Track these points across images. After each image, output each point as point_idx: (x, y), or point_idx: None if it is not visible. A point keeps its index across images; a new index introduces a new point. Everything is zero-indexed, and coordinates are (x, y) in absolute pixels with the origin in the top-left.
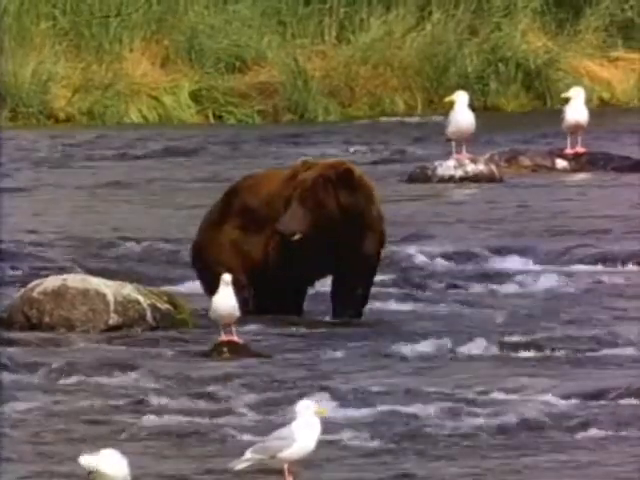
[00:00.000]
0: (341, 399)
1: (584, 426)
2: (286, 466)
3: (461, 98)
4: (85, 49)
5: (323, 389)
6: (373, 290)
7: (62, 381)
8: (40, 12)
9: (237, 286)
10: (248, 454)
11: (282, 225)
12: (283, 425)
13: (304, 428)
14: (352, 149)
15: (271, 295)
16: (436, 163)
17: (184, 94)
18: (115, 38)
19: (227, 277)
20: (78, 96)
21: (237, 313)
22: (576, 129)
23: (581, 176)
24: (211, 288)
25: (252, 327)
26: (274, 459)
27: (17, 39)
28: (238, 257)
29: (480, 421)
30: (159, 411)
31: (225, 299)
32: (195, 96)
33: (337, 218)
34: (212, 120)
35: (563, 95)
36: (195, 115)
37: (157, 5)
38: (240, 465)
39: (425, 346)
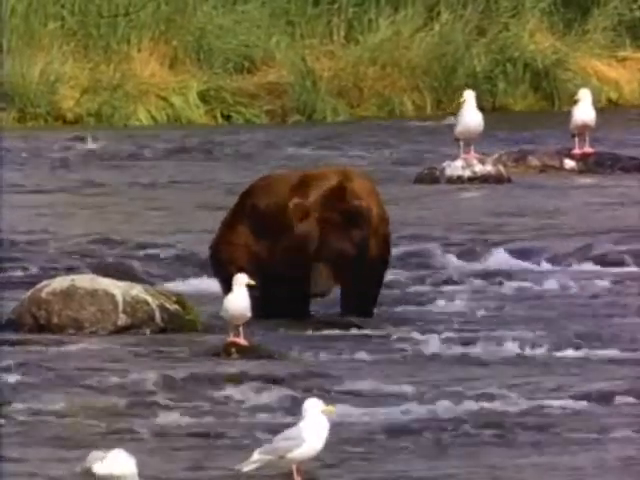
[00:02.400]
0: (348, 400)
1: (585, 426)
2: (295, 466)
3: (469, 98)
4: (93, 49)
5: (331, 390)
6: (382, 289)
7: (70, 382)
8: (48, 12)
9: (248, 286)
10: (256, 455)
11: (318, 288)
12: (291, 426)
13: (312, 428)
14: (359, 150)
15: (278, 296)
16: (444, 164)
17: (192, 94)
18: (123, 38)
19: (240, 277)
20: (86, 97)
21: (248, 313)
22: (584, 129)
23: (589, 176)
24: (226, 288)
25: (261, 328)
26: (283, 459)
27: (25, 39)
28: (249, 258)
29: (482, 420)
30: (167, 412)
31: (237, 299)
32: (203, 96)
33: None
34: (220, 120)
35: (575, 98)
36: (204, 115)
37: (165, 5)
38: (248, 467)
39: (432, 346)
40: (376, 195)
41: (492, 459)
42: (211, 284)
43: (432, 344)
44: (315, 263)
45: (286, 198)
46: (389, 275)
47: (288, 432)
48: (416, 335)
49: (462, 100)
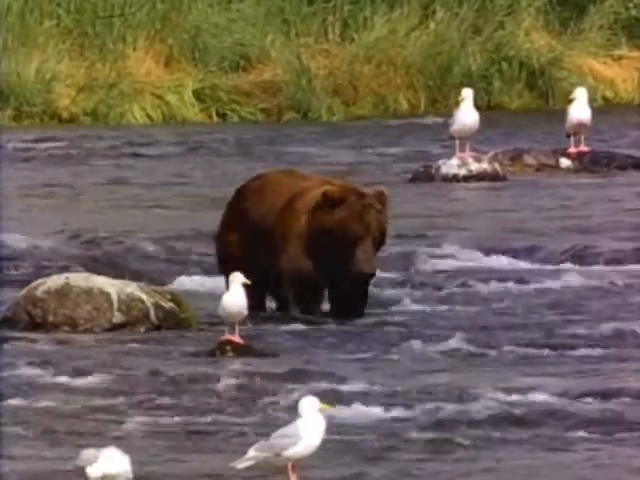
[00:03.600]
0: (344, 398)
1: (584, 425)
2: (290, 465)
3: (467, 96)
4: (89, 48)
5: (326, 388)
6: (376, 289)
7: (65, 379)
8: (44, 11)
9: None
10: (251, 452)
11: (370, 268)
12: (287, 424)
13: (309, 425)
14: (355, 148)
15: (281, 295)
16: (440, 162)
17: (188, 93)
18: (119, 37)
19: (236, 276)
20: (82, 95)
21: (245, 312)
22: (579, 128)
23: (584, 175)
24: (227, 285)
25: (256, 326)
26: (279, 457)
27: (20, 38)
28: (245, 256)
29: (480, 420)
30: (162, 409)
31: (234, 298)
32: (199, 95)
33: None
34: (215, 118)
35: (571, 97)
36: (199, 113)
37: (161, 4)
38: (243, 464)
39: (427, 345)
40: None
41: (488, 458)
42: (205, 282)
43: (426, 343)
44: (366, 243)
45: (278, 211)
46: (382, 273)
47: (284, 430)
48: (410, 334)
49: (461, 98)
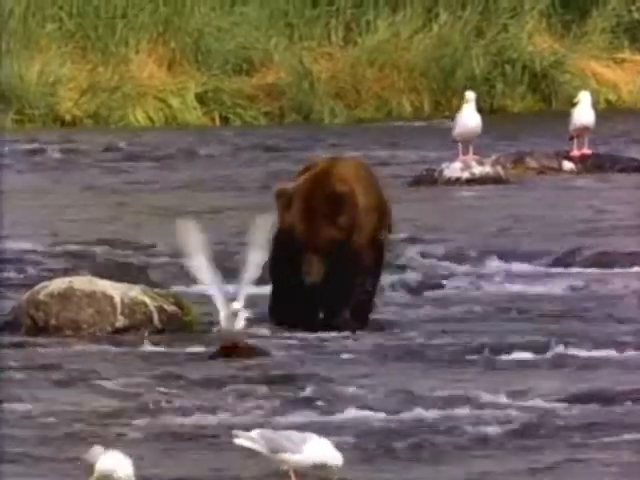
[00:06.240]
0: (344, 401)
1: (583, 427)
2: (292, 469)
3: (470, 99)
4: (91, 51)
5: (327, 391)
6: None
7: (67, 383)
8: (46, 14)
9: None
10: (255, 435)
11: (308, 278)
12: (290, 427)
13: (319, 443)
14: (357, 152)
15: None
16: (443, 165)
17: (190, 96)
18: (121, 40)
19: None
20: (84, 98)
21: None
22: (582, 131)
23: (587, 178)
24: None
25: (258, 330)
26: (282, 462)
27: (23, 41)
28: None
29: (480, 422)
30: (165, 412)
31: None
32: (201, 98)
33: None
34: (218, 122)
35: (575, 101)
36: (201, 117)
37: (163, 7)
38: (245, 443)
39: (426, 348)
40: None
41: (491, 462)
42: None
43: (426, 345)
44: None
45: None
46: (384, 277)
47: (295, 435)
48: (411, 337)
49: (464, 100)
